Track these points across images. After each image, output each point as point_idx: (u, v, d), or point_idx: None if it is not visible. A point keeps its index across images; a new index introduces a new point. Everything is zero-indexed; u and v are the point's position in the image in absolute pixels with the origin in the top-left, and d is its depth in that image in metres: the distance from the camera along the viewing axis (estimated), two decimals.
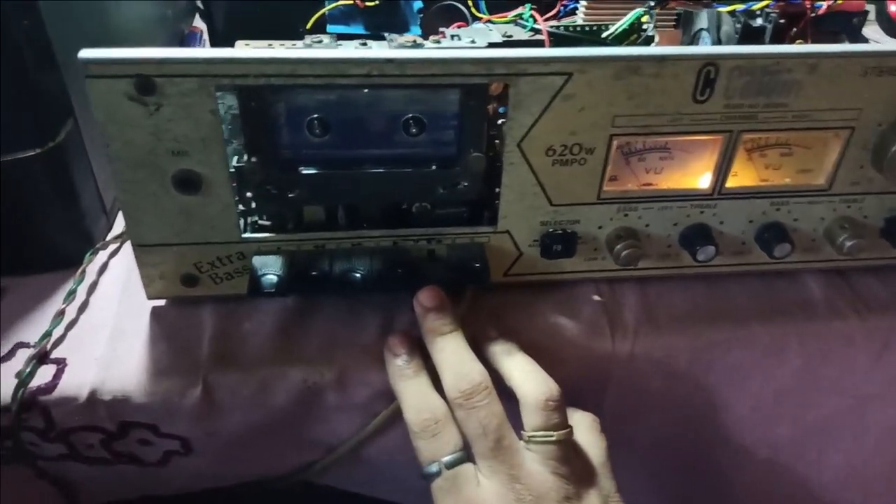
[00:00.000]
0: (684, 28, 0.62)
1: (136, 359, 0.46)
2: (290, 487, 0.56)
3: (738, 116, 0.45)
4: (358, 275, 0.46)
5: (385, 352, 0.45)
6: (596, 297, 0.52)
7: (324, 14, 0.58)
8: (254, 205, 0.48)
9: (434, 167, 0.46)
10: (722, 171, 0.47)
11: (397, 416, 0.47)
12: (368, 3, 0.58)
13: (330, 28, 0.58)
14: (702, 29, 0.60)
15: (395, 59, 0.40)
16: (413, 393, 0.43)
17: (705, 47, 0.43)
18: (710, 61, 0.42)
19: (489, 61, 0.41)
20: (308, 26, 0.58)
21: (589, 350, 0.49)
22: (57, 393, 0.44)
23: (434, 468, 0.41)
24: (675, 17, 0.61)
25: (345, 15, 0.59)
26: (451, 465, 0.40)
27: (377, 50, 0.43)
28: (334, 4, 0.58)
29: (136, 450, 0.48)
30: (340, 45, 0.50)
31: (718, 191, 0.48)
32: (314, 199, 0.47)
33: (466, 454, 0.41)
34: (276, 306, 0.49)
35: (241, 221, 0.48)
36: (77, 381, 0.45)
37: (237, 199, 0.47)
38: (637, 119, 0.44)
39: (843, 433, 0.55)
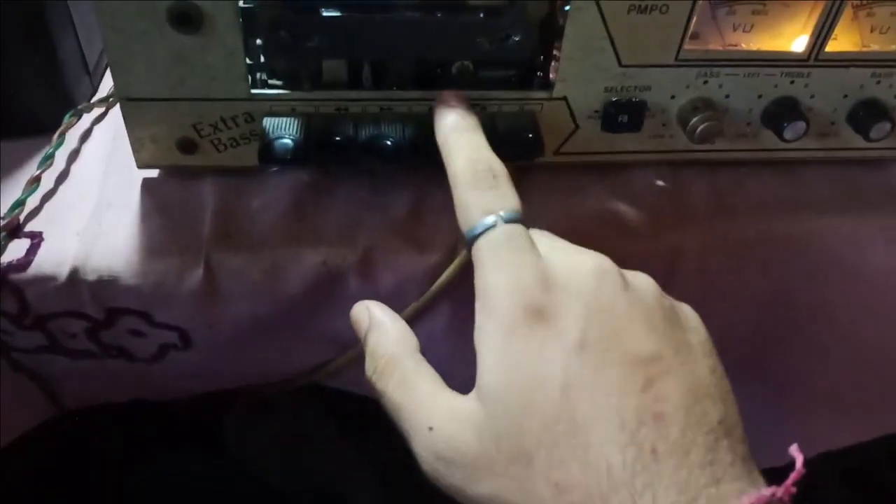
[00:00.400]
0: None
1: (125, 234, 0.39)
2: (295, 391, 0.50)
3: None
4: (388, 142, 0.38)
5: (437, 105, 0.36)
6: (660, 183, 0.45)
7: None
8: (263, 57, 0.40)
9: (481, 14, 0.38)
10: (823, 31, 0.40)
11: (428, 308, 0.41)
12: None
13: None
14: None
15: None
16: (469, 143, 0.34)
17: None
18: None
19: None
20: None
21: (652, 241, 0.42)
22: (32, 271, 0.37)
23: (489, 220, 0.30)
24: None
25: None
26: (510, 221, 0.31)
27: None
28: None
29: (126, 342, 0.41)
30: None
31: (815, 56, 0.41)
32: (336, 50, 0.39)
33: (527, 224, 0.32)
34: (288, 182, 0.42)
35: (250, 78, 0.41)
36: (55, 257, 0.38)
37: (254, 47, 0.39)
38: None
39: None
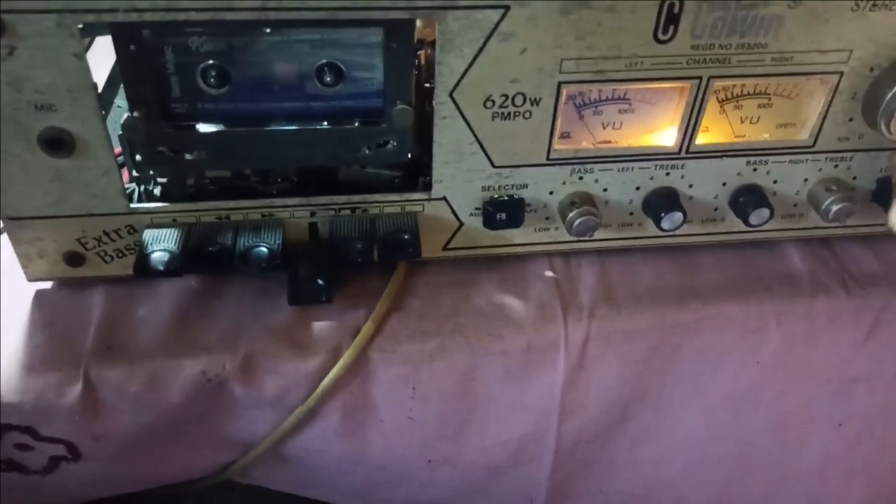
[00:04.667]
0: None
1: (8, 350, 0.39)
2: (211, 488, 0.50)
3: (708, 60, 0.38)
4: (265, 250, 0.39)
5: None
6: (549, 274, 0.45)
7: None
8: (140, 171, 0.41)
9: (357, 123, 0.39)
10: (690, 126, 0.41)
11: (316, 411, 0.41)
12: None
13: None
14: None
15: None
16: None
17: None
18: None
19: None
20: None
21: (536, 334, 0.42)
22: None
23: None
24: None
25: None
26: None
27: None
28: None
29: (15, 455, 0.41)
30: None
31: (686, 149, 0.42)
32: (216, 161, 0.40)
33: None
34: (177, 288, 0.43)
35: (136, 189, 0.42)
36: None
37: (133, 162, 0.40)
38: (589, 63, 0.37)
39: (826, 420, 0.49)
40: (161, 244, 0.39)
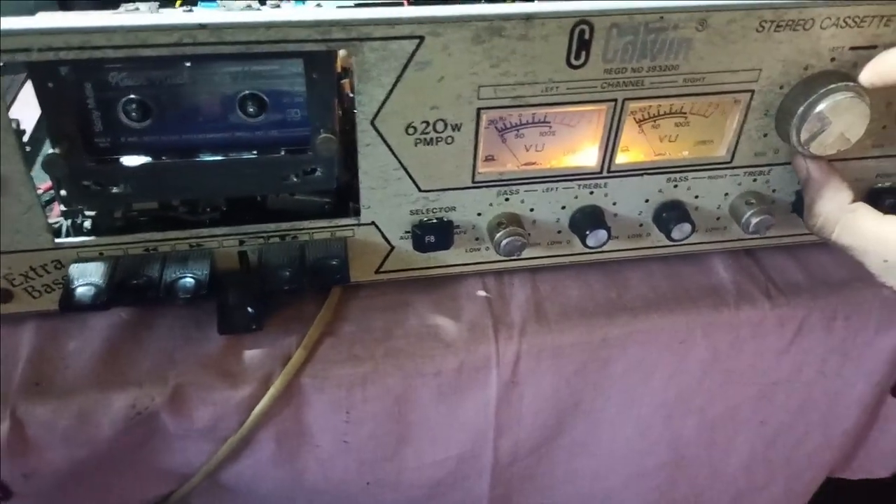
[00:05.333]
0: None
1: None
2: None
3: (622, 83, 0.39)
4: (191, 280, 0.39)
5: None
6: (481, 293, 0.46)
7: None
8: (66, 205, 0.41)
9: (283, 152, 0.40)
10: (610, 146, 0.42)
11: (249, 440, 0.42)
12: None
13: None
14: None
15: (208, 24, 0.34)
16: None
17: (577, 2, 0.37)
18: (583, 18, 0.37)
19: (322, 24, 0.34)
20: None
21: (468, 354, 0.43)
22: None
23: None
24: None
25: None
26: None
27: (188, 14, 0.37)
28: None
29: None
30: (161, 12, 0.43)
31: (608, 168, 0.43)
32: (143, 194, 0.40)
33: None
34: (107, 321, 0.43)
35: (65, 223, 0.42)
36: None
37: (62, 196, 0.40)
38: (506, 89, 0.38)
39: (749, 420, 0.51)
40: (87, 278, 0.39)
